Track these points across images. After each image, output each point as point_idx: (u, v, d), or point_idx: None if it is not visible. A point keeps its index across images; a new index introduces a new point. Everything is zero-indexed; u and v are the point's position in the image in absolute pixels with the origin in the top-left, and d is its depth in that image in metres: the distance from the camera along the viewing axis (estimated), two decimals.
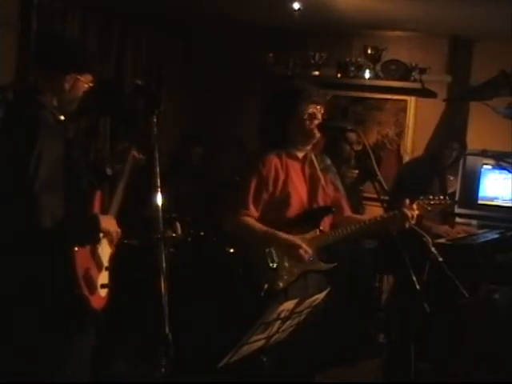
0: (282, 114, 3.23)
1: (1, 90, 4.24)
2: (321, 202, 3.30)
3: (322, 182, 3.31)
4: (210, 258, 4.78)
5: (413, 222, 3.16)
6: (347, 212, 3.40)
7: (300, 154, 3.29)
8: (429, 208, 3.27)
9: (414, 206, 3.22)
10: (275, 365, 3.05)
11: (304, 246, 3.12)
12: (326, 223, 3.28)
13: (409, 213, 3.15)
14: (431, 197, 3.31)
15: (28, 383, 2.71)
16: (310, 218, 3.22)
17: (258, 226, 3.17)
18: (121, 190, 2.96)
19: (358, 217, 3.35)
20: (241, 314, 3.17)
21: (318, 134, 3.22)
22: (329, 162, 3.40)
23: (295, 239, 3.13)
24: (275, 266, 3.12)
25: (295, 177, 3.25)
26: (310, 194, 3.29)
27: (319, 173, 3.32)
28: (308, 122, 3.20)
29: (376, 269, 5.23)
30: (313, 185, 3.30)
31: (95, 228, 2.70)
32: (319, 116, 3.22)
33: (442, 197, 3.36)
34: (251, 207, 3.17)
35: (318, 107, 3.22)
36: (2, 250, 2.63)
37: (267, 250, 3.14)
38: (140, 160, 3.08)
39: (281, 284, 3.12)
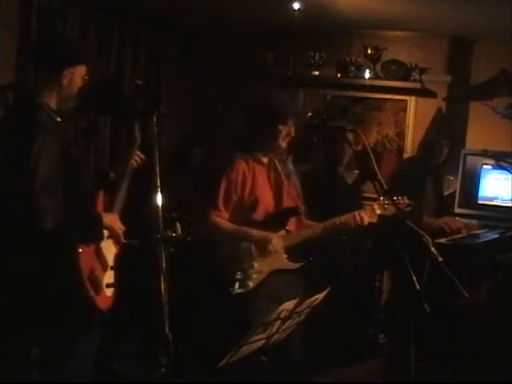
0: (258, 126, 3.32)
1: (0, 90, 4.25)
2: (286, 205, 3.40)
3: (286, 186, 3.42)
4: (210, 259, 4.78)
5: (364, 223, 3.33)
6: (305, 220, 3.49)
7: (265, 160, 3.40)
8: (386, 207, 3.37)
9: (375, 206, 3.36)
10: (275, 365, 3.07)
11: (274, 238, 3.23)
12: (292, 224, 3.38)
13: (357, 216, 3.32)
14: (390, 197, 3.38)
15: (30, 383, 2.72)
16: (276, 219, 3.32)
17: (229, 224, 3.27)
18: (124, 189, 2.98)
19: (316, 223, 3.44)
20: (214, 314, 3.29)
21: (284, 147, 3.34)
22: (292, 167, 3.52)
23: (265, 233, 3.24)
24: (244, 265, 3.19)
25: (261, 181, 3.36)
26: (276, 198, 3.39)
27: (283, 178, 3.42)
28: (281, 140, 3.31)
29: (376, 268, 5.23)
30: (278, 189, 3.42)
31: (98, 226, 2.71)
32: (292, 132, 3.32)
33: (400, 197, 3.47)
34: (221, 209, 3.27)
35: (293, 126, 3.31)
36: (7, 251, 2.64)
37: (237, 250, 3.21)
38: (141, 159, 3.10)
39: (251, 283, 3.17)
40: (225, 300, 3.20)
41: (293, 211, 3.39)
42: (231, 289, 3.13)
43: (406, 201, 3.47)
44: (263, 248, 3.23)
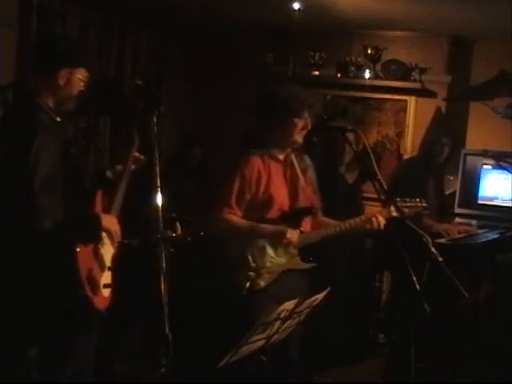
0: (272, 122, 3.25)
1: (0, 90, 4.25)
2: (301, 204, 3.34)
3: (302, 183, 3.35)
4: (209, 258, 4.78)
5: (381, 227, 3.25)
6: (321, 216, 3.44)
7: (281, 156, 3.33)
8: (406, 210, 3.30)
9: (392, 209, 3.27)
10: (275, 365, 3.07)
11: (290, 230, 3.16)
12: (307, 224, 3.32)
13: (374, 219, 3.24)
14: (407, 199, 3.35)
15: (30, 383, 2.72)
16: (290, 218, 3.27)
17: (241, 220, 3.23)
18: (122, 189, 2.97)
19: (332, 221, 3.39)
20: (226, 313, 3.26)
21: (301, 141, 3.28)
22: (308, 161, 3.44)
23: (280, 227, 3.18)
24: (256, 264, 3.17)
25: (277, 179, 3.30)
26: (291, 196, 3.33)
27: (299, 174, 3.36)
28: (297, 134, 3.25)
29: (376, 268, 5.23)
30: (293, 186, 3.35)
31: (97, 227, 2.71)
32: (308, 125, 3.26)
33: (417, 199, 3.41)
34: (234, 207, 3.23)
35: (309, 119, 3.25)
36: (6, 251, 2.64)
37: (248, 249, 3.19)
38: (141, 160, 3.09)
39: (262, 283, 3.16)
40: (231, 299, 3.18)
41: (307, 211, 3.33)
42: (242, 288, 3.08)
43: (424, 203, 3.42)
44: (278, 241, 3.18)
